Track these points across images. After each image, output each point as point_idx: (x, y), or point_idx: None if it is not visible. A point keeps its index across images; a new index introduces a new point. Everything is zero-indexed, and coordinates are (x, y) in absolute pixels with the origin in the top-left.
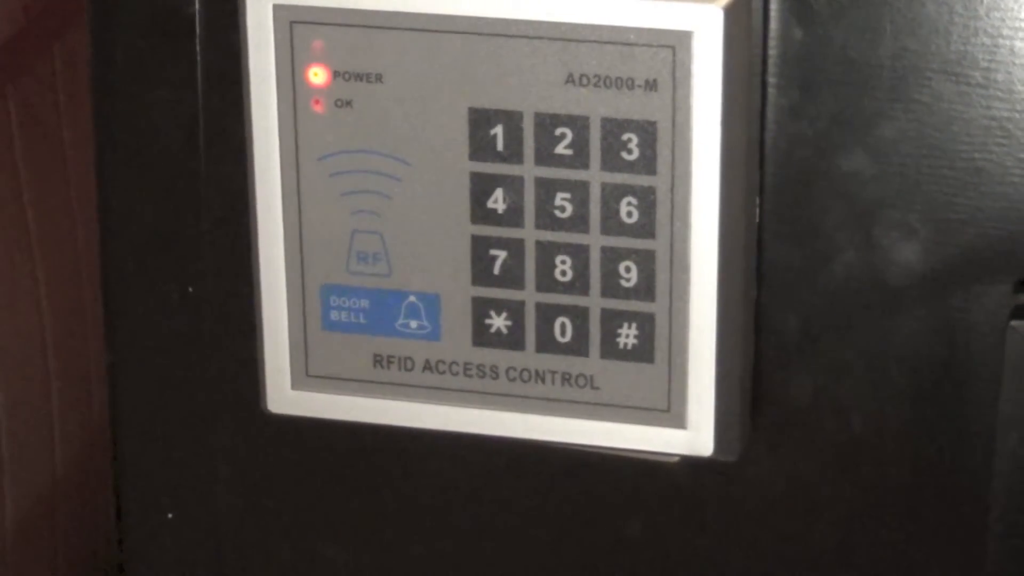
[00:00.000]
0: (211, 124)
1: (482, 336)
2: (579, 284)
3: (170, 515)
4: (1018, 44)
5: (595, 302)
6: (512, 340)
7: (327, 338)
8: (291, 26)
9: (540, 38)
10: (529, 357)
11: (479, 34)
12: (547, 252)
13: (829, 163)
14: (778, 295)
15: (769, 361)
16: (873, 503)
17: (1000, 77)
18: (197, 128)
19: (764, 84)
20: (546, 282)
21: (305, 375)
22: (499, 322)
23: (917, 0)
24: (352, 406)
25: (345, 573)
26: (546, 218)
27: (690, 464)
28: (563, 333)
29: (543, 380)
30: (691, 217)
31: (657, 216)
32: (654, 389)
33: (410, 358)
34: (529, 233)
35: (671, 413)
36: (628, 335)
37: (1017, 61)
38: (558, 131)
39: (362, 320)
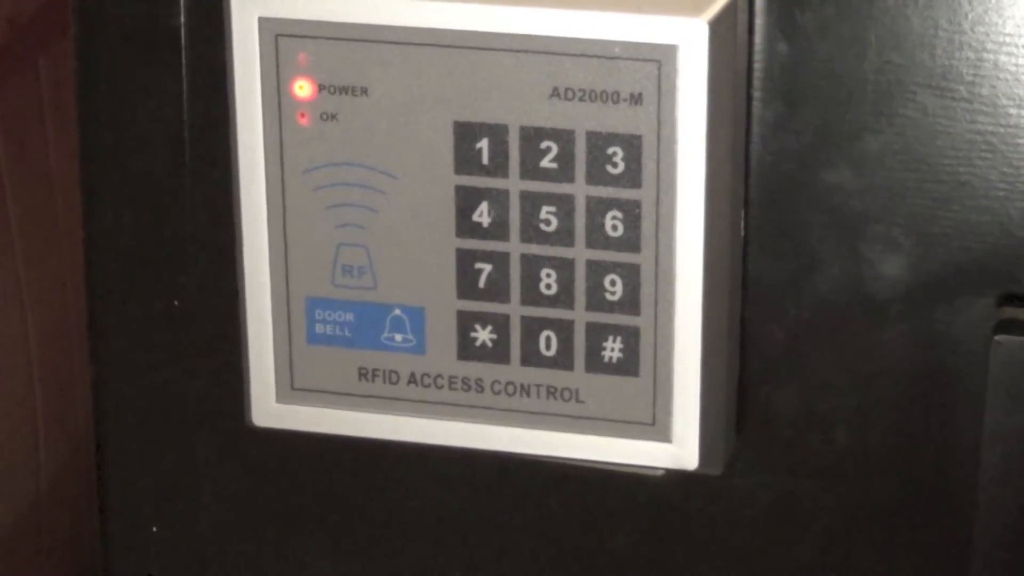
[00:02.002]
0: (196, 137)
1: (467, 349)
2: (564, 297)
3: (155, 528)
4: (1002, 58)
5: (580, 316)
6: (497, 353)
7: (312, 351)
8: (276, 39)
9: (525, 52)
10: (514, 370)
11: (464, 48)
12: (532, 265)
13: (814, 177)
14: (763, 308)
15: (754, 374)
16: (858, 516)
17: (984, 91)
18: (182, 141)
19: (749, 98)
20: (531, 295)
21: (290, 388)
22: (484, 335)
23: (902, 14)
24: (337, 419)
25: None
26: (531, 231)
27: (675, 478)
28: (548, 346)
29: (528, 394)
30: (676, 231)
31: (642, 230)
32: (639, 403)
33: (395, 371)
34: (514, 246)
35: (656, 427)
36: (613, 349)
37: (1001, 75)
38: (543, 145)
39: (347, 333)
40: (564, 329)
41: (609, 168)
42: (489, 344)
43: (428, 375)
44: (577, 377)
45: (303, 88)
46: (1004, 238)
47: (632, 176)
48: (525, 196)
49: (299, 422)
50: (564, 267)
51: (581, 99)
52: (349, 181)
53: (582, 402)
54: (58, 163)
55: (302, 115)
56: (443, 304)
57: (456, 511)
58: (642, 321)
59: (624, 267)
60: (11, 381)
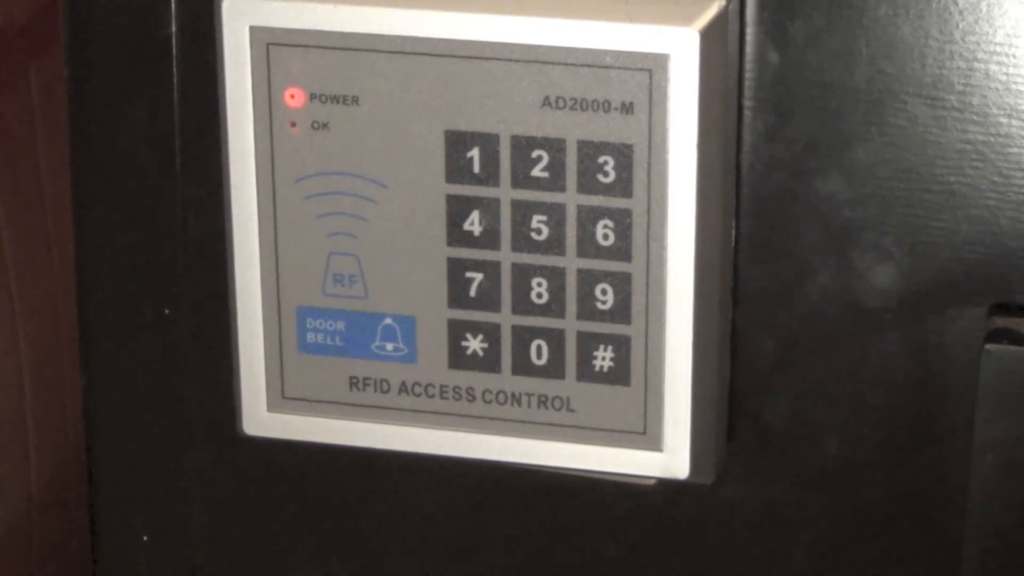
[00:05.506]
0: (188, 146)
1: (458, 358)
2: (555, 306)
3: (145, 537)
4: (993, 68)
5: (571, 324)
6: (488, 362)
7: (303, 360)
8: (268, 48)
9: (517, 61)
10: (505, 379)
11: (456, 56)
12: (523, 274)
13: (805, 186)
14: (754, 318)
15: (745, 383)
16: (848, 525)
17: (975, 101)
18: (173, 149)
19: (740, 107)
20: (522, 304)
21: (281, 397)
22: (475, 344)
23: (892, 24)
24: (328, 428)
25: None
26: (522, 240)
27: (666, 487)
28: (539, 355)
29: (519, 403)
30: (667, 240)
31: (633, 238)
32: (630, 412)
33: (386, 380)
34: (505, 255)
35: (647, 436)
36: (604, 358)
37: (992, 85)
38: (534, 153)
39: (338, 342)
40: (555, 338)
41: (600, 177)
42: (480, 353)
43: (419, 384)
44: (568, 386)
45: (294, 97)
46: (995, 247)
47: (623, 185)
48: (516, 205)
49: (290, 431)
50: (555, 276)
51: (572, 108)
52: (340, 190)
53: (573, 411)
54: (49, 172)
55: (293, 124)
56: (434, 313)
57: (447, 521)
58: (633, 330)
59: (615, 276)
60: (1, 390)
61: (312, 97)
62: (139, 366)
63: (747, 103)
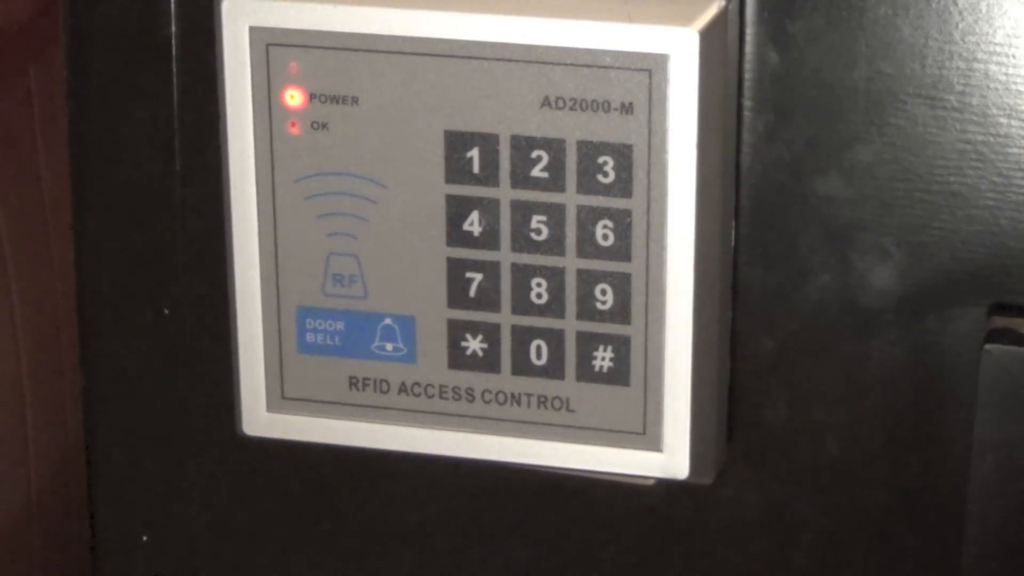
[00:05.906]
0: (187, 146)
1: (458, 359)
2: (555, 307)
3: (145, 538)
4: (992, 68)
5: (571, 325)
6: (488, 363)
7: (303, 360)
8: (267, 48)
9: (516, 61)
10: (505, 380)
11: (455, 57)
12: (523, 275)
13: (804, 186)
14: (753, 318)
15: (744, 384)
16: (848, 526)
17: (975, 101)
18: (173, 150)
19: (740, 107)
20: (522, 305)
21: (280, 398)
22: (475, 344)
23: (892, 24)
24: (327, 429)
25: None
26: (522, 241)
27: (665, 487)
28: (539, 356)
29: (519, 403)
30: (667, 240)
31: (633, 239)
32: (630, 412)
33: (386, 380)
34: (505, 256)
35: (646, 436)
36: (604, 358)
37: (991, 85)
38: (534, 154)
39: (338, 342)
40: (555, 338)
41: (600, 177)
42: (480, 353)
43: (419, 384)
44: (568, 386)
45: (294, 97)
46: (994, 247)
47: (623, 185)
48: (516, 205)
49: (289, 431)
50: (555, 276)
51: (572, 108)
52: (340, 190)
53: (573, 411)
54: (49, 172)
55: (293, 124)
56: (434, 313)
57: (446, 520)
58: (633, 330)
59: (615, 276)
60: (1, 390)
61: (312, 97)
62: (139, 366)
63: (747, 103)
